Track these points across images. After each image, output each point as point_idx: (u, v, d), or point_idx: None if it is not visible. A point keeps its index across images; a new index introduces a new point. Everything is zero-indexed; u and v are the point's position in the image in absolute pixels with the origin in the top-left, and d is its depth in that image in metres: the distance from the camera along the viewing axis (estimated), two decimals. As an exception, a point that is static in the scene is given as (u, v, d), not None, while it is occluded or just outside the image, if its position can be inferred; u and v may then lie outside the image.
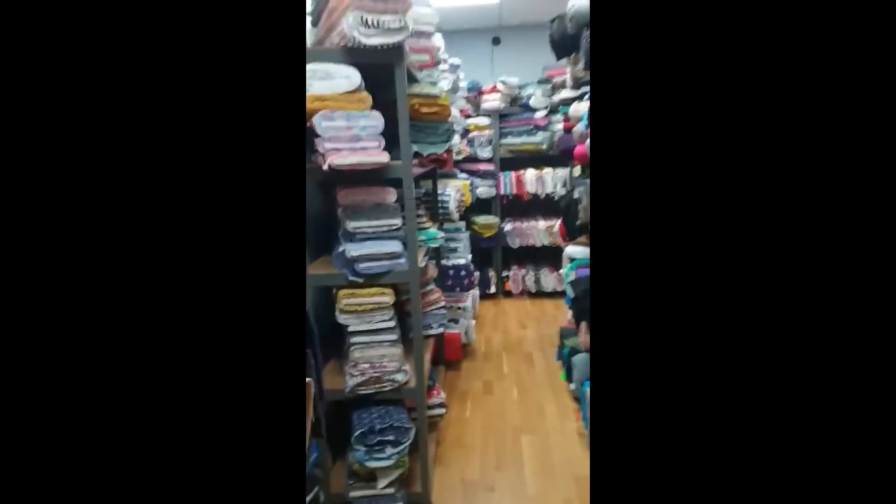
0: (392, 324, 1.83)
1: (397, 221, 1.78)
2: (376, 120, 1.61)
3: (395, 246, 1.78)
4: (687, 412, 0.63)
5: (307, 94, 1.56)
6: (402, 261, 1.81)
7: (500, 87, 4.31)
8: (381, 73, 1.71)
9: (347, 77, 1.57)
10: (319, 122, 1.56)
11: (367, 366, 1.84)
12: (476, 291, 3.68)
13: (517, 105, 4.41)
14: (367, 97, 1.62)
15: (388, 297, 1.80)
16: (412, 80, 2.08)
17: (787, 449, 0.61)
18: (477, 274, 4.15)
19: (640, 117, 0.64)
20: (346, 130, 1.58)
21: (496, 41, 4.92)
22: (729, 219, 0.63)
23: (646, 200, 0.65)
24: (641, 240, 0.65)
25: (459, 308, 3.29)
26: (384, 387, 1.87)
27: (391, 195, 1.77)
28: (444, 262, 3.22)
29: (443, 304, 2.42)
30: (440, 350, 3.00)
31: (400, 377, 1.87)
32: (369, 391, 1.86)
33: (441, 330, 2.42)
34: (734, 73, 0.62)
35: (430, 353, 2.35)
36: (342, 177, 1.69)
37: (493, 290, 4.53)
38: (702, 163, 0.63)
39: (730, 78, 0.62)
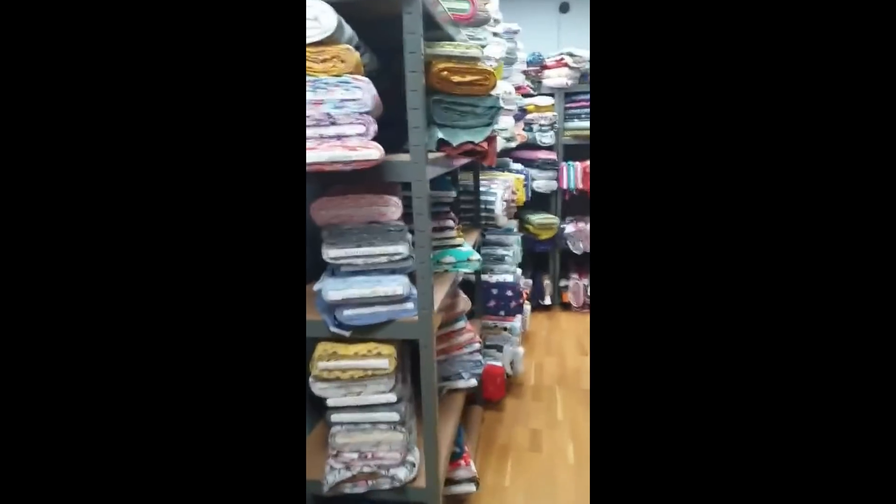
0: (392, 398, 1.24)
1: (402, 249, 1.17)
2: (360, 90, 0.98)
3: (396, 284, 1.17)
4: (686, 416, 0.63)
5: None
6: (409, 305, 1.20)
7: (566, 60, 3.67)
8: (394, 28, 1.09)
9: (315, 18, 0.95)
10: (268, 93, 0.96)
11: (353, 456, 1.25)
12: (527, 309, 3.01)
13: (586, 82, 3.75)
14: (350, 53, 0.99)
15: (385, 360, 1.20)
16: (440, 35, 1.44)
17: (788, 453, 0.61)
18: (528, 282, 3.48)
19: (641, 118, 0.64)
20: (313, 107, 0.97)
21: (564, 8, 4.39)
22: (732, 222, 0.62)
23: (645, 201, 0.64)
24: (641, 242, 0.64)
25: (504, 330, 2.65)
26: (380, 484, 1.28)
27: (393, 208, 1.15)
28: (485, 276, 2.58)
29: (477, 346, 1.80)
30: (477, 388, 2.39)
31: (402, 474, 1.27)
32: (358, 490, 1.28)
33: (473, 382, 1.80)
34: (734, 74, 0.61)
35: (460, 403, 1.75)
36: (334, 178, 1.09)
37: (547, 301, 3.87)
38: (697, 165, 0.62)
39: (730, 78, 0.61)
